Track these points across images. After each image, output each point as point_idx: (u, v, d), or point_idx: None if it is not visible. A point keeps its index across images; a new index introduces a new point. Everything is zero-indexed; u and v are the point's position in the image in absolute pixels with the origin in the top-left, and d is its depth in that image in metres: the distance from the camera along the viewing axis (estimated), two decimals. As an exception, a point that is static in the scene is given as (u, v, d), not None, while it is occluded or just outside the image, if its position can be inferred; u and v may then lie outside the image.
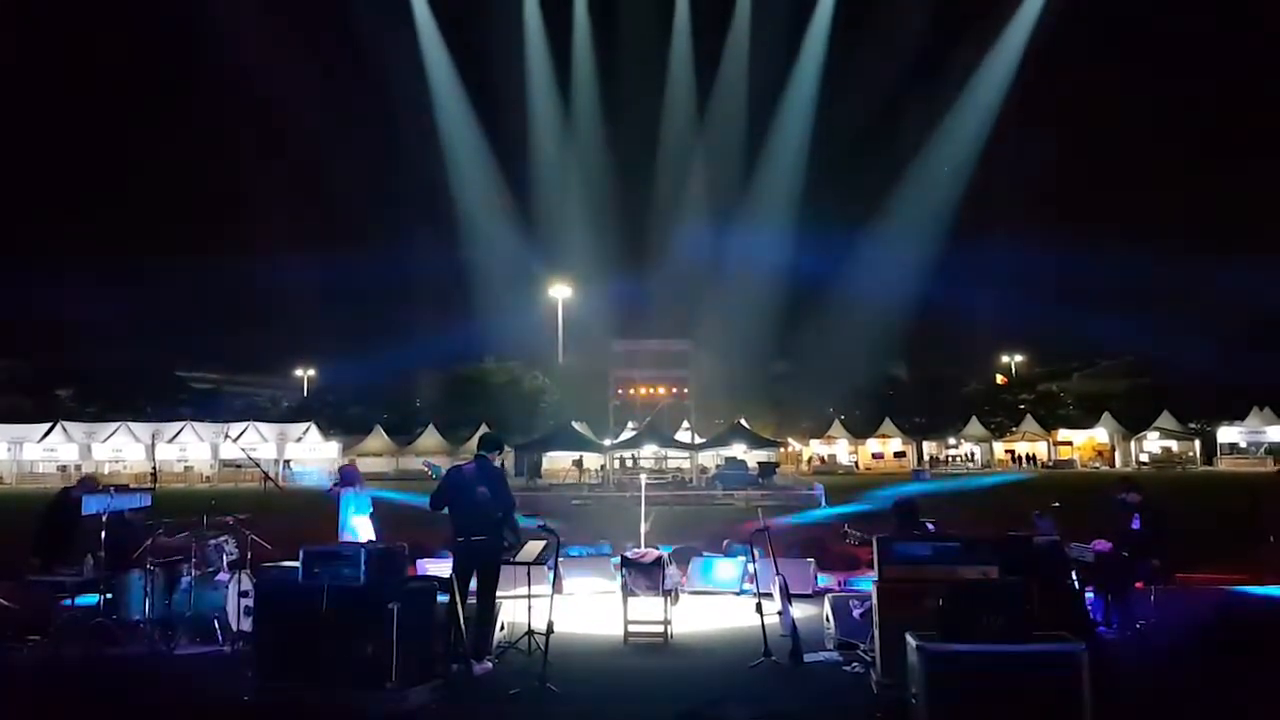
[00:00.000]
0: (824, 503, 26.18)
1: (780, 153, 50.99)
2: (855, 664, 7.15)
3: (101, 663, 7.46)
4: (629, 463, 45.55)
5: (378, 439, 58.21)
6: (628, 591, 8.34)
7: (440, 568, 9.21)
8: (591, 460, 45.44)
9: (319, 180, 61.62)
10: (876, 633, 6.47)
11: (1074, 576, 8.17)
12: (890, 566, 6.61)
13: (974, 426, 61.65)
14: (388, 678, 5.97)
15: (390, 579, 6.40)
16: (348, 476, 10.32)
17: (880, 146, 54.36)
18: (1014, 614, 5.29)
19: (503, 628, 8.01)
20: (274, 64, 41.72)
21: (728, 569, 10.88)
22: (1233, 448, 56.49)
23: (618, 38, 47.67)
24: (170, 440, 53.23)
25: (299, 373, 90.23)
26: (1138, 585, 8.38)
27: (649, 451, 45.31)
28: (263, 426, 55.81)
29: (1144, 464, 56.19)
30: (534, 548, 7.79)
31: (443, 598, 7.06)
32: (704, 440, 44.32)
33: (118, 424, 53.46)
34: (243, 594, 8.24)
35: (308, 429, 56.09)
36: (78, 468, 48.45)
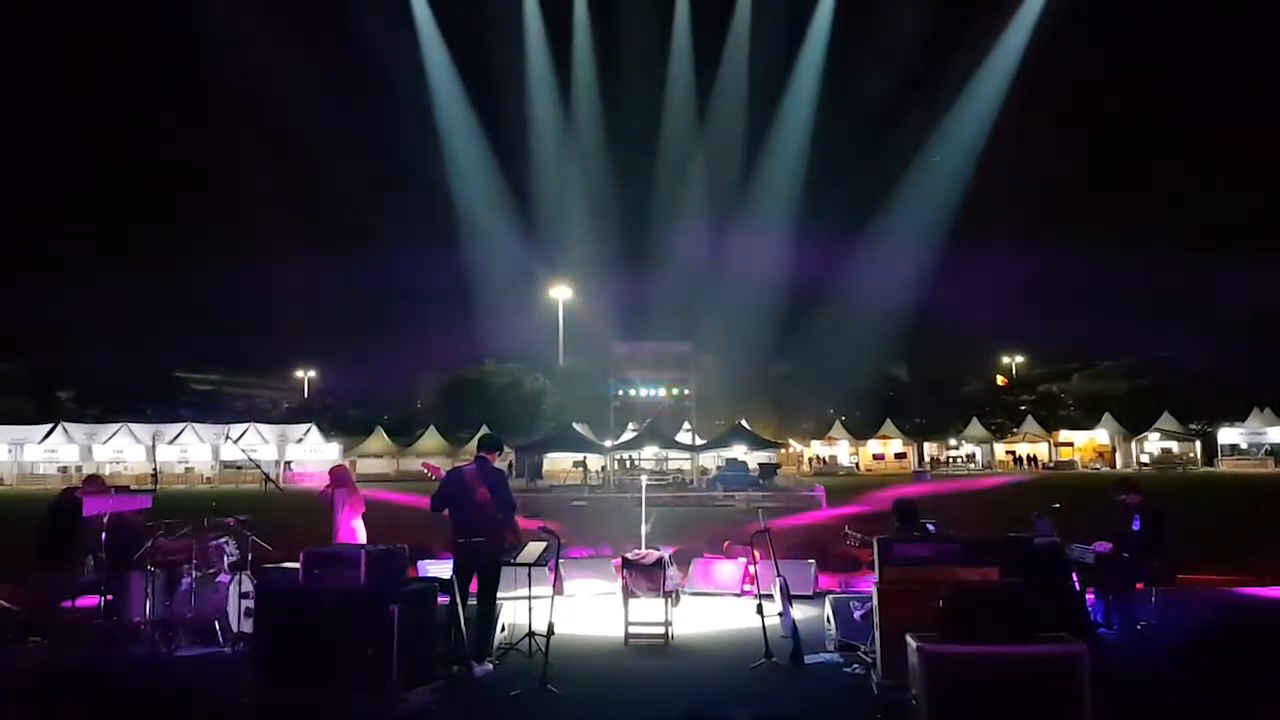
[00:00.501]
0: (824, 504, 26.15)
1: (780, 153, 51.04)
2: (856, 665, 7.15)
3: (102, 664, 7.45)
4: (629, 464, 45.55)
5: (378, 440, 58.30)
6: (628, 593, 8.34)
7: (441, 569, 9.21)
8: (592, 461, 45.43)
9: (320, 181, 61.80)
10: (877, 634, 6.46)
11: (1074, 578, 8.17)
12: (891, 568, 6.60)
13: (975, 428, 61.68)
14: (388, 679, 5.96)
15: (391, 580, 6.39)
16: (340, 478, 10.31)
17: (880, 147, 54.46)
18: (1014, 615, 5.29)
19: (503, 629, 8.00)
20: (274, 65, 41.89)
21: (728, 570, 10.87)
22: (1233, 449, 56.51)
23: (618, 38, 47.82)
24: (171, 442, 53.29)
25: (300, 374, 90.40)
26: (1138, 586, 8.35)
27: (649, 453, 45.24)
28: (263, 428, 55.91)
29: (1145, 465, 56.17)
30: (534, 549, 7.78)
31: (443, 599, 7.06)
32: (705, 441, 44.25)
33: (118, 425, 53.52)
34: (243, 595, 8.23)
35: (308, 430, 56.19)
36: (78, 469, 48.54)
